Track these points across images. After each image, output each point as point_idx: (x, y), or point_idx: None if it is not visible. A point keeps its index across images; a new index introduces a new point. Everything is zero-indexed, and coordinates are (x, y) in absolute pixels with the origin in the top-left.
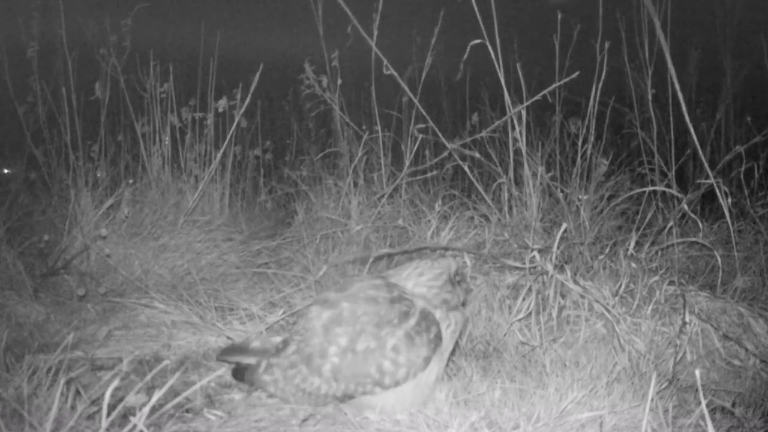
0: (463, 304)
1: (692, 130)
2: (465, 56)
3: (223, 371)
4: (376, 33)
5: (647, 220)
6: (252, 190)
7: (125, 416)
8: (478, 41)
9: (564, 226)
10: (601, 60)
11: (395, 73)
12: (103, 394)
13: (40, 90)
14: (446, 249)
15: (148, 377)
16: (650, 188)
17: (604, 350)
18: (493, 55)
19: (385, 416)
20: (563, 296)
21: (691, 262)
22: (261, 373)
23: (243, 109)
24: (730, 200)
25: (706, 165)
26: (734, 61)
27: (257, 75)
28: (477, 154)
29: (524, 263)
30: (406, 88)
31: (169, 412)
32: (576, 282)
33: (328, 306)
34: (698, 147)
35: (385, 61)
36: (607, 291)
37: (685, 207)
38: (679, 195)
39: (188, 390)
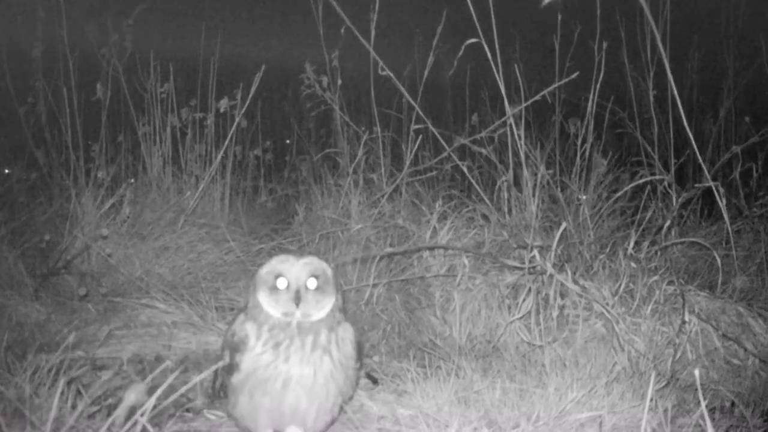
0: None
1: (692, 137)
2: (459, 54)
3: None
4: (373, 33)
5: (647, 219)
6: (252, 190)
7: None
8: (473, 40)
9: (563, 225)
10: (600, 59)
11: (390, 74)
12: (103, 394)
13: (41, 90)
14: (445, 248)
15: (149, 377)
16: (643, 180)
17: (603, 350)
18: (489, 56)
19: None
20: (563, 296)
21: (690, 262)
22: None
23: (243, 110)
24: (724, 201)
25: (704, 168)
26: (736, 62)
27: (259, 75)
28: (484, 150)
29: (523, 262)
30: (403, 89)
31: (169, 412)
32: (575, 282)
33: None
34: (696, 151)
35: (381, 63)
36: (607, 291)
37: (674, 200)
38: (672, 189)
39: (187, 385)
